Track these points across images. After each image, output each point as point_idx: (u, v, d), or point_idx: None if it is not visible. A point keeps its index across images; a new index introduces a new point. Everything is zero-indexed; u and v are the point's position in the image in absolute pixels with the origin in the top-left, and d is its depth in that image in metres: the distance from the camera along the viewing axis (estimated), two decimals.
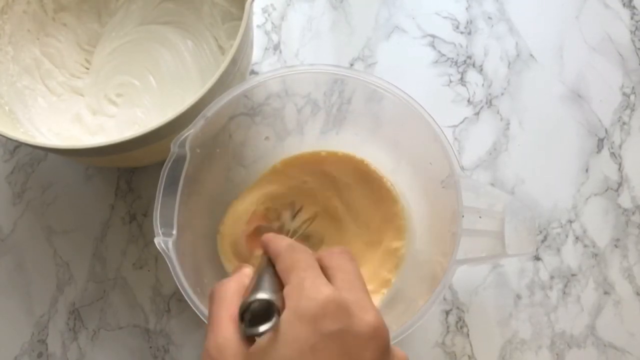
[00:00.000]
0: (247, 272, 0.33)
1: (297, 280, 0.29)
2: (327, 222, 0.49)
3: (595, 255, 0.51)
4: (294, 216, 0.49)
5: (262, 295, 0.28)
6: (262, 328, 0.28)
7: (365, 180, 0.49)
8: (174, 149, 0.40)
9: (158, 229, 0.38)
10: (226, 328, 0.29)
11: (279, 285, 0.30)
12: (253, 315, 0.28)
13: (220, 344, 0.28)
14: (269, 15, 0.58)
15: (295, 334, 0.27)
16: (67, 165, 0.54)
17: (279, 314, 0.28)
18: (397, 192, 0.49)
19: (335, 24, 0.58)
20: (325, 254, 0.32)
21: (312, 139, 0.50)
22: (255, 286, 0.30)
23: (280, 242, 0.33)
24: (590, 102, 0.55)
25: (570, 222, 0.52)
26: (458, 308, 0.50)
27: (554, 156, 0.54)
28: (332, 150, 0.50)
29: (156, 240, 0.38)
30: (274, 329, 0.27)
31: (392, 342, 0.36)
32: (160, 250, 0.38)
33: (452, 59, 0.56)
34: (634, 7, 0.57)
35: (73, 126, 0.52)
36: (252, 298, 0.28)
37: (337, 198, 0.50)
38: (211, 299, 0.31)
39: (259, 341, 0.27)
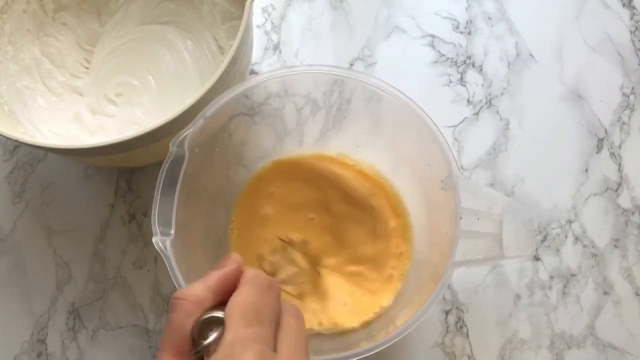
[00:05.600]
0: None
1: (233, 336, 0.26)
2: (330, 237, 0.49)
3: (595, 255, 0.51)
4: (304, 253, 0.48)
5: (216, 313, 0.27)
6: (205, 342, 0.26)
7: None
8: (172, 148, 0.40)
9: (156, 228, 0.38)
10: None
11: None
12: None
13: None
14: (269, 15, 0.58)
15: None
16: (67, 165, 0.54)
17: None
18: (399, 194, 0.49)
19: (335, 24, 0.58)
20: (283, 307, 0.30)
21: (312, 139, 0.50)
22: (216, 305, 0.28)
23: (250, 272, 0.31)
24: (590, 103, 0.55)
25: (570, 222, 0.52)
26: (458, 308, 0.50)
27: (553, 156, 0.54)
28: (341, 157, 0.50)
29: (154, 240, 0.38)
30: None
31: (392, 343, 0.37)
32: (159, 250, 0.38)
33: (452, 59, 0.56)
34: (634, 8, 0.57)
35: (73, 126, 0.52)
36: (204, 316, 0.27)
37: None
38: (170, 309, 0.28)
39: None
